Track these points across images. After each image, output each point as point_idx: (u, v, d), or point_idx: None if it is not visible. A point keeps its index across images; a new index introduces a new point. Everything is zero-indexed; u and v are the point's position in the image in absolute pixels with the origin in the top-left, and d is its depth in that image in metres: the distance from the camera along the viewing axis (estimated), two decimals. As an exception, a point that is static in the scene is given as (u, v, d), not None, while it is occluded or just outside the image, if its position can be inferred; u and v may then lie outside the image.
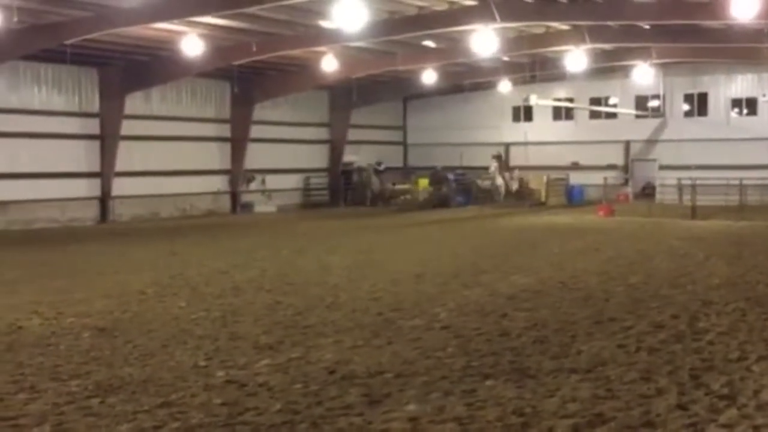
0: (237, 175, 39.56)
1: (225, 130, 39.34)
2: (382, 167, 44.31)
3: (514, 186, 42.35)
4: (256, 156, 39.59)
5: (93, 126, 33.66)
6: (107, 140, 33.70)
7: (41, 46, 27.08)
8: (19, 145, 30.79)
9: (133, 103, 34.19)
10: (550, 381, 8.51)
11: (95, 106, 33.69)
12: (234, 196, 39.81)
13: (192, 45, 27.91)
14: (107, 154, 33.76)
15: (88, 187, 33.62)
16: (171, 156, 36.13)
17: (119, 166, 33.98)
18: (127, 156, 34.09)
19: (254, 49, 29.87)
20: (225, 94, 39.04)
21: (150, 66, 32.80)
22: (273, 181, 40.11)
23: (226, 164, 39.27)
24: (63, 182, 32.41)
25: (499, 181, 42.08)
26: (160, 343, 10.67)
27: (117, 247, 24.49)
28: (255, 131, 39.56)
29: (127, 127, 33.88)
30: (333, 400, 7.96)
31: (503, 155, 44.40)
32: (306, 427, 7.22)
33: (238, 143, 39.40)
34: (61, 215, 32.10)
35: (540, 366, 9.12)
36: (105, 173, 33.78)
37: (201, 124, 38.23)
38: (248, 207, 39.78)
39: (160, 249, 23.32)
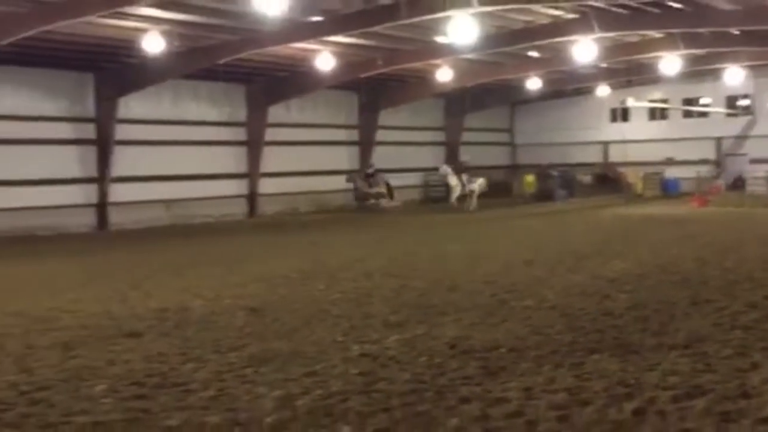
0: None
1: (354, 135, 39.73)
2: (371, 170, 38.33)
3: (475, 187, 36.35)
4: (381, 157, 39.83)
5: (241, 134, 34.48)
6: (253, 146, 34.47)
7: (198, 66, 27.91)
8: (179, 151, 31.74)
9: (276, 112, 34.86)
10: (652, 356, 8.31)
11: (243, 116, 34.50)
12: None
13: (325, 61, 28.32)
14: (253, 157, 34.54)
15: (238, 187, 34.46)
16: (307, 158, 36.66)
17: (264, 168, 34.72)
18: (270, 159, 34.80)
19: (380, 63, 30.08)
20: (353, 103, 39.40)
21: (289, 80, 33.37)
22: (396, 179, 40.26)
23: (355, 165, 39.61)
24: (217, 182, 33.30)
25: (453, 181, 36.79)
26: (303, 320, 10.87)
27: (264, 238, 25.07)
28: (380, 135, 39.84)
29: (270, 134, 34.62)
30: (455, 372, 7.97)
31: (459, 159, 39.67)
32: (432, 395, 7.26)
33: (365, 146, 39.75)
34: (216, 211, 32.95)
35: (642, 342, 8.93)
36: (252, 174, 34.56)
37: (333, 130, 38.72)
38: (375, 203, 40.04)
39: (301, 240, 23.74)
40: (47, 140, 28.01)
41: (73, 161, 29.03)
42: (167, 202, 31.26)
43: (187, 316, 11.58)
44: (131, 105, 29.76)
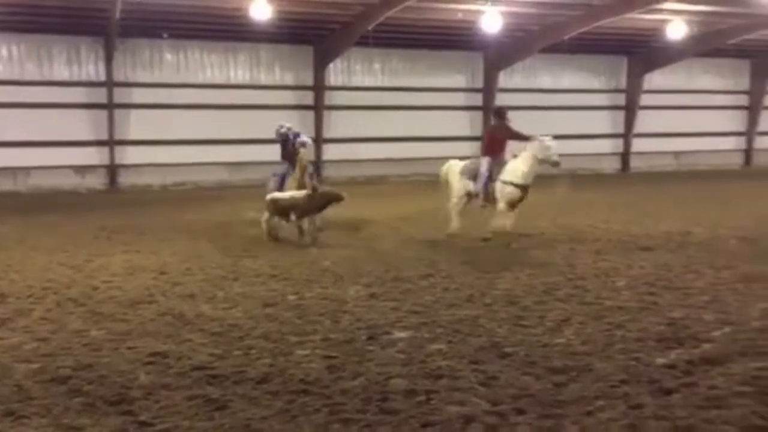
0: None
1: None
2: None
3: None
4: None
5: (742, 100, 30.35)
6: (753, 110, 29.85)
7: (710, 46, 25.35)
8: (687, 114, 29.07)
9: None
10: None
11: (745, 85, 29.97)
12: None
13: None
14: (751, 120, 29.98)
15: (735, 143, 30.53)
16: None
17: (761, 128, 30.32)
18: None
19: None
20: None
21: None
22: None
23: None
24: (717, 139, 29.97)
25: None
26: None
27: (757, 183, 22.11)
28: None
29: (770, 100, 30.14)
30: None
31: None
32: None
33: None
34: (715, 161, 29.66)
35: None
36: (749, 133, 30.33)
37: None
38: None
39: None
40: (592, 107, 27.85)
41: (605, 121, 28.62)
42: (677, 153, 29.41)
43: (688, 239, 11.09)
44: (653, 80, 28.33)
